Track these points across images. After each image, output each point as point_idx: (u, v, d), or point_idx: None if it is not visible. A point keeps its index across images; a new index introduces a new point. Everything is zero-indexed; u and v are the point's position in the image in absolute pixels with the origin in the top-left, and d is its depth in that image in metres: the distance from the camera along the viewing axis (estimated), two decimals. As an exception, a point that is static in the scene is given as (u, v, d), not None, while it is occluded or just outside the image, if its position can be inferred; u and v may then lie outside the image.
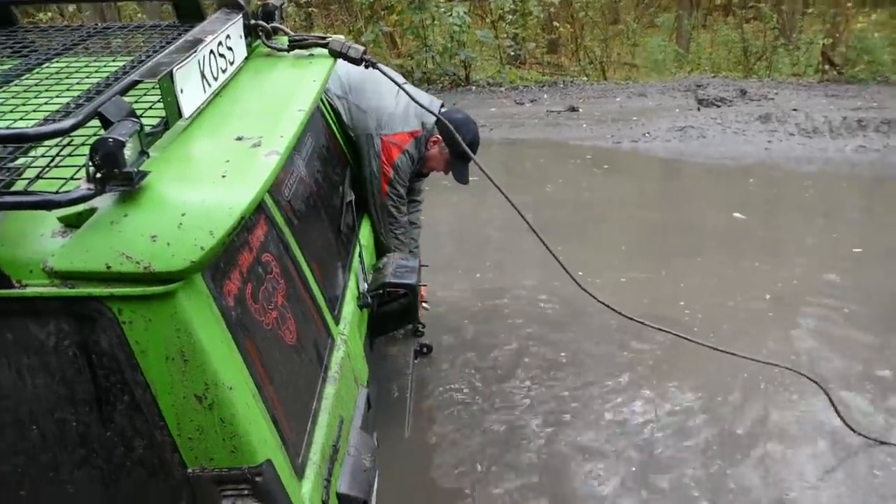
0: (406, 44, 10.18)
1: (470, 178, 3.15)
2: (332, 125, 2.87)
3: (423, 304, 3.54)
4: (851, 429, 3.10)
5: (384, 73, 2.49)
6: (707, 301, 4.16)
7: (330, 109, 2.91)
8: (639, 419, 3.29)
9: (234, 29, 2.03)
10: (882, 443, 3.08)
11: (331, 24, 11.69)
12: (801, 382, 3.34)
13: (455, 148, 2.93)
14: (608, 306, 2.86)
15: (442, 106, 2.92)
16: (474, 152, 2.94)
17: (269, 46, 2.24)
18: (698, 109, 7.83)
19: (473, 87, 9.17)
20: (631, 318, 2.92)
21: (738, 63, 10.70)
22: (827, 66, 9.35)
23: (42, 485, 1.50)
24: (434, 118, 2.91)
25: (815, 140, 6.79)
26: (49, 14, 8.79)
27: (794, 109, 7.39)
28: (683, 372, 3.56)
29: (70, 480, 1.50)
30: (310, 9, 10.71)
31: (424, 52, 9.32)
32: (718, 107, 7.87)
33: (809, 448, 3.11)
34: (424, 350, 3.61)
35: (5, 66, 2.10)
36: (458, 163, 3.06)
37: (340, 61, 2.38)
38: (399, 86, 2.63)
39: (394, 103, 2.93)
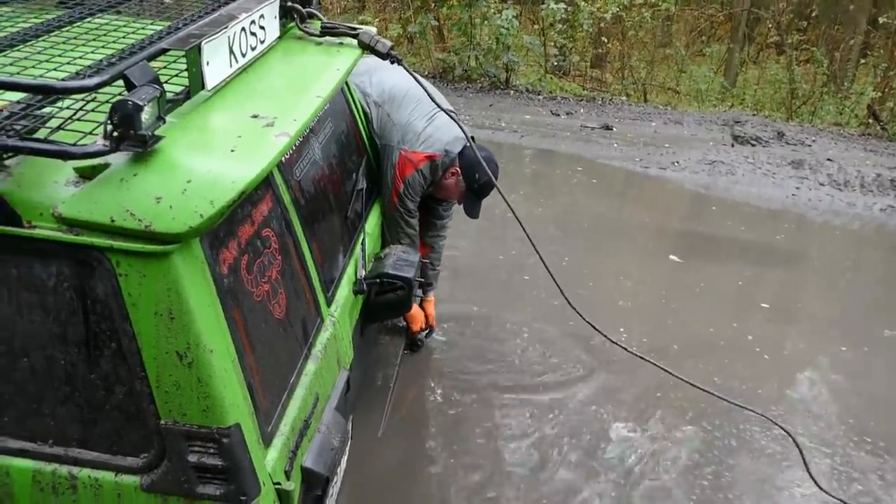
0: (452, 39, 10.22)
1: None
2: (357, 116, 2.94)
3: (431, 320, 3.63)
4: (818, 485, 3.10)
5: (421, 84, 2.64)
6: (691, 339, 4.18)
7: (362, 108, 3.00)
8: (615, 447, 3.34)
9: (270, 10, 2.10)
10: (844, 503, 3.10)
11: (382, 9, 11.77)
12: (773, 430, 3.36)
13: (470, 183, 3.13)
14: (607, 337, 2.97)
15: (473, 139, 2.98)
16: (487, 192, 3.16)
17: (301, 30, 2.32)
18: (732, 146, 7.79)
19: (512, 92, 9.19)
20: (628, 350, 3.02)
21: (781, 104, 10.60)
22: (871, 120, 9.25)
23: (25, 415, 1.59)
24: (458, 150, 3.06)
25: (844, 193, 6.72)
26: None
27: (829, 159, 7.32)
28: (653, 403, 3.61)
29: (52, 414, 1.58)
30: (364, -9, 10.81)
31: (469, 49, 9.37)
32: (753, 146, 7.82)
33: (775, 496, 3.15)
34: (416, 345, 3.67)
35: (50, 16, 2.20)
36: (471, 197, 3.22)
37: (390, 69, 2.50)
38: (439, 106, 2.74)
39: (424, 124, 3.03)
